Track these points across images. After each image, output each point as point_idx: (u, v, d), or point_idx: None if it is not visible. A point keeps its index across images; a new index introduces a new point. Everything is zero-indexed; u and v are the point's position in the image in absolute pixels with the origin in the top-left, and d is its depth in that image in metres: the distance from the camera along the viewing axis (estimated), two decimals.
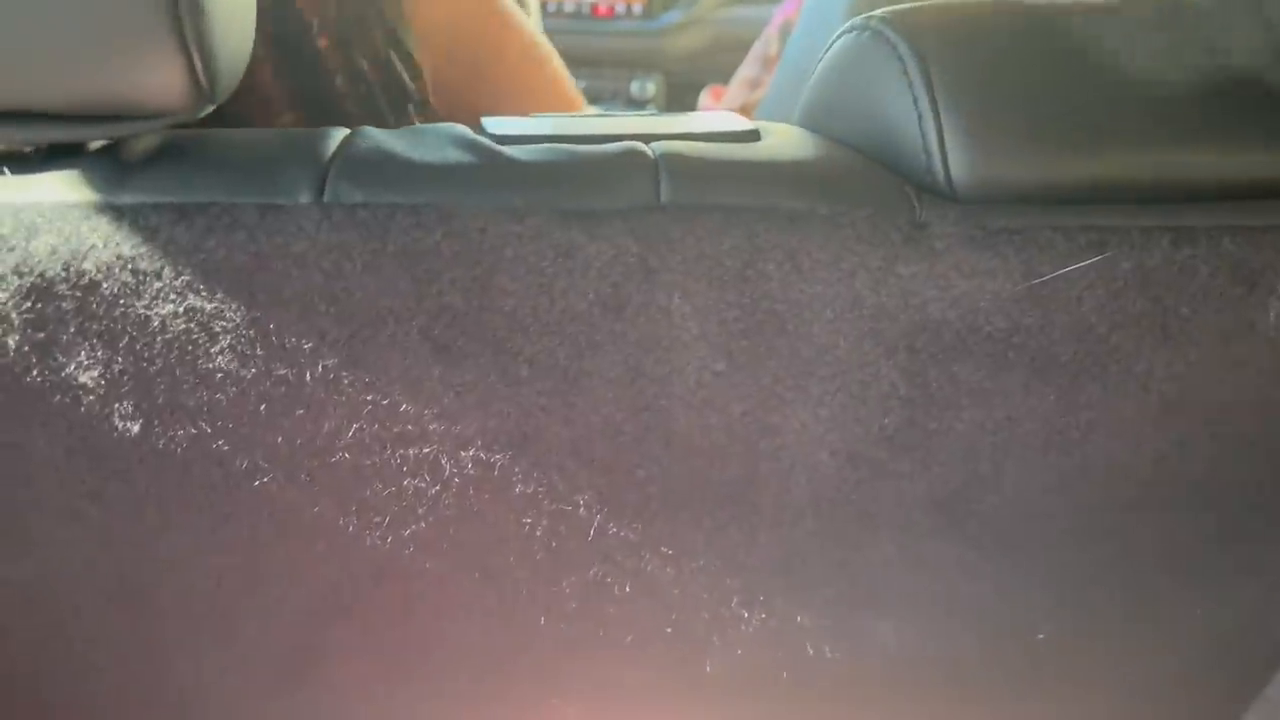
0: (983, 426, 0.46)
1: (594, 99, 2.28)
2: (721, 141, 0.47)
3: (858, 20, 0.49)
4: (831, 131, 0.50)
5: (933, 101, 0.44)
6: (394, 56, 0.62)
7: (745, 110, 1.67)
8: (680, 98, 2.29)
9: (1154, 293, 0.44)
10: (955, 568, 0.51)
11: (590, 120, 0.51)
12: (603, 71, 2.28)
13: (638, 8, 2.28)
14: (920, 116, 0.44)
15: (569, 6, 2.23)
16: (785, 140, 0.48)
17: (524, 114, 0.55)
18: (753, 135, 0.48)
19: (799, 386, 0.45)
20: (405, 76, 0.63)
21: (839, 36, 0.51)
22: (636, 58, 2.28)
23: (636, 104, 2.30)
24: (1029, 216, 0.44)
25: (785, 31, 1.61)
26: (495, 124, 0.48)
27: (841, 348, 0.44)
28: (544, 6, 2.21)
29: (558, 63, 0.80)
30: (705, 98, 1.82)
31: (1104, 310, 0.44)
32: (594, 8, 2.27)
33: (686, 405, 0.45)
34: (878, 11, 0.48)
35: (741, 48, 1.81)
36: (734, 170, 0.44)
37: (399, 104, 0.63)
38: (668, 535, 0.49)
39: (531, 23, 0.81)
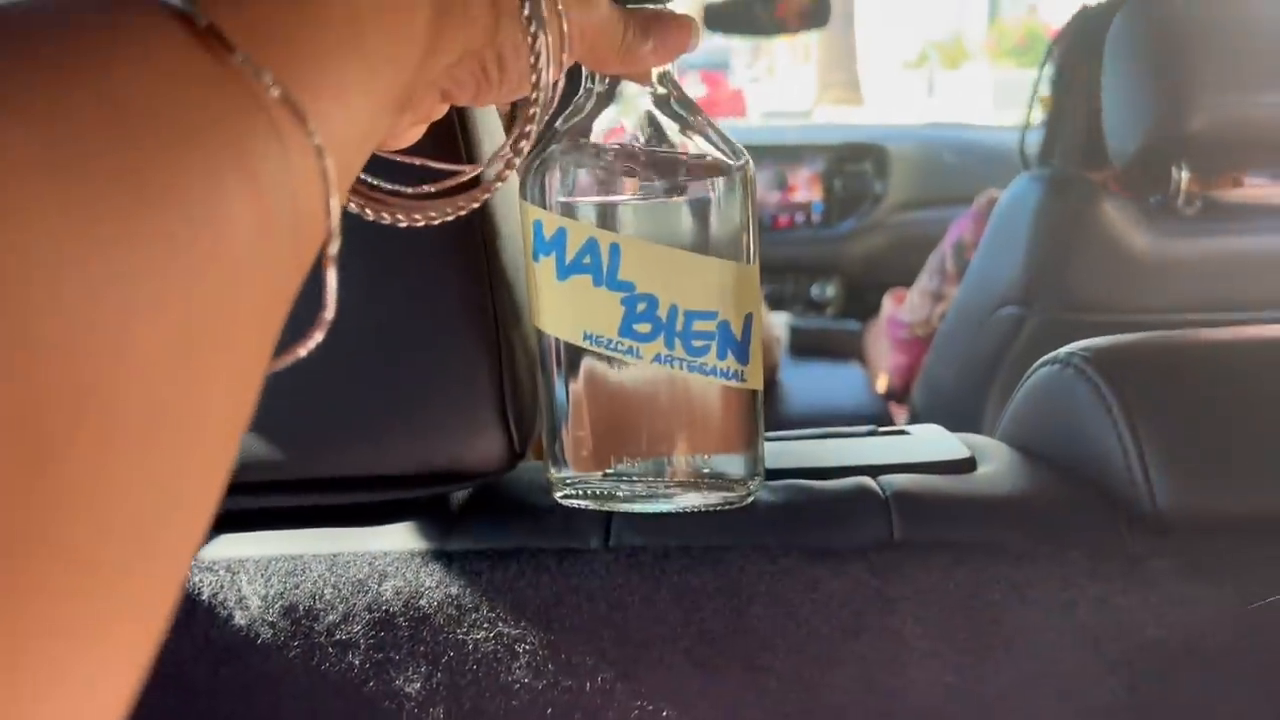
0: None
1: (776, 303, 2.38)
2: (942, 473, 0.53)
3: (1061, 354, 0.55)
4: (1038, 450, 0.56)
5: (1136, 439, 0.49)
6: None
7: (929, 323, 1.74)
8: (860, 298, 2.37)
9: None
10: None
11: (815, 448, 0.58)
12: (784, 277, 2.40)
13: (816, 217, 2.40)
14: (1125, 452, 0.50)
15: None
16: (1001, 471, 0.53)
17: None
18: (969, 464, 0.54)
19: (1024, 696, 0.49)
20: None
21: (1041, 366, 0.57)
22: (816, 263, 2.38)
23: (816, 306, 2.39)
24: (1237, 547, 0.48)
25: (958, 249, 1.70)
26: None
27: (1064, 664, 0.48)
28: None
29: None
30: (888, 302, 1.91)
31: None
32: (775, 220, 2.40)
33: (916, 712, 0.50)
34: (1077, 347, 0.54)
35: (918, 248, 1.89)
36: (960, 508, 0.50)
37: None
38: None
39: None
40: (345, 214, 0.34)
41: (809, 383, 1.87)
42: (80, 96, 0.18)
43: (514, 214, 0.51)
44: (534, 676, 0.49)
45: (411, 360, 0.48)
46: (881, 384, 1.94)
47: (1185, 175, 1.25)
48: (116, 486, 0.17)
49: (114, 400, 0.17)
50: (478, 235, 0.48)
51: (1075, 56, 1.44)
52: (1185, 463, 0.49)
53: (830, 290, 2.38)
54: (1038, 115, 1.54)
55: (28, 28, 0.19)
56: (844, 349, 2.08)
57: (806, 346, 2.06)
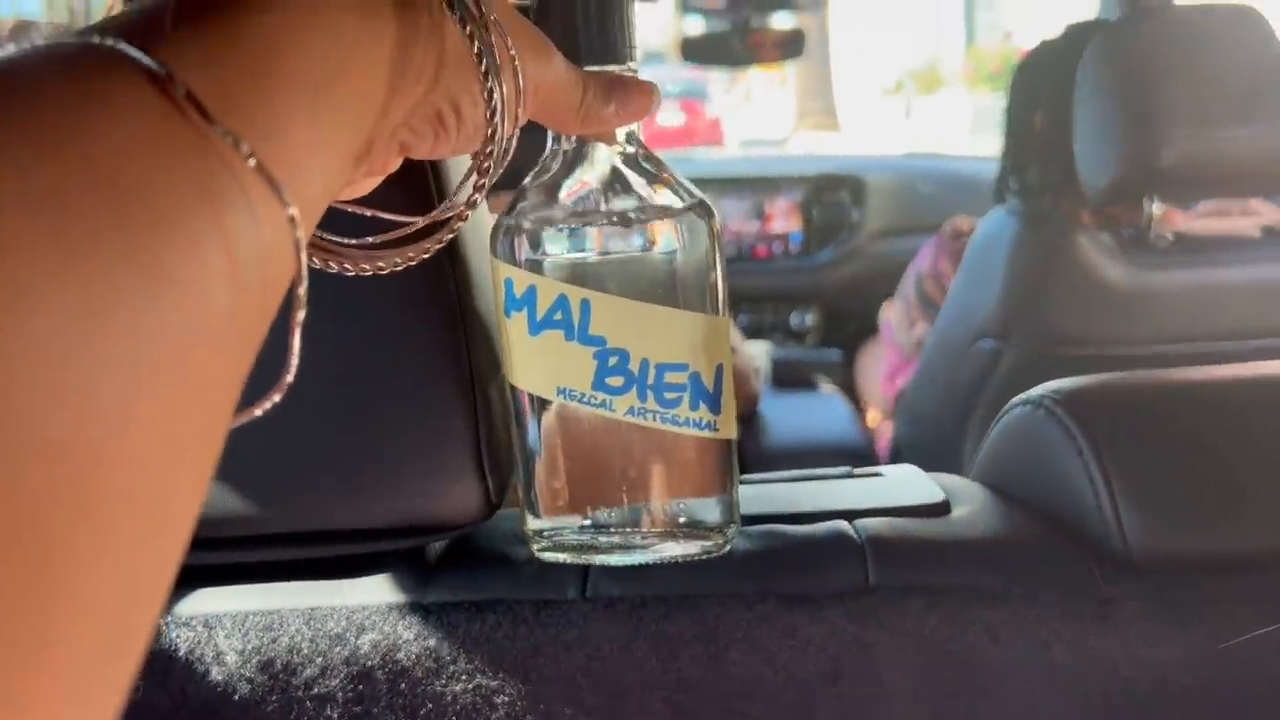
0: None
1: (755, 332, 2.39)
2: (917, 516, 0.53)
3: (1033, 394, 0.56)
4: (1011, 491, 0.56)
5: (1107, 481, 0.50)
6: None
7: (905, 351, 1.76)
8: (839, 327, 2.38)
9: None
10: None
11: (791, 491, 0.58)
12: (763, 306, 2.41)
13: (794, 247, 2.41)
14: (1096, 493, 0.50)
15: (730, 250, 2.38)
16: (974, 513, 0.54)
17: None
18: (944, 507, 0.54)
19: None
20: None
21: (1013, 406, 0.58)
22: (794, 292, 2.40)
23: (795, 335, 2.40)
24: (1208, 587, 0.48)
25: (919, 281, 1.74)
26: None
27: (1039, 705, 0.49)
28: None
29: None
30: (885, 309, 1.96)
31: None
32: (753, 249, 2.41)
33: None
34: (1048, 389, 0.55)
35: (895, 277, 1.91)
36: (934, 552, 0.50)
37: None
38: None
39: None
40: (321, 270, 0.35)
41: (789, 414, 1.87)
42: (77, 174, 0.18)
43: (488, 265, 0.51)
44: None
45: (387, 412, 0.49)
46: (872, 418, 1.96)
47: (1158, 207, 1.27)
48: (108, 579, 0.18)
49: (113, 494, 0.17)
50: (452, 286, 0.49)
51: (1038, 88, 1.46)
52: (1155, 503, 0.50)
53: (809, 319, 2.40)
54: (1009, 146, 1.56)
55: (11, 95, 0.19)
56: (824, 378, 2.09)
57: (786, 377, 2.07)
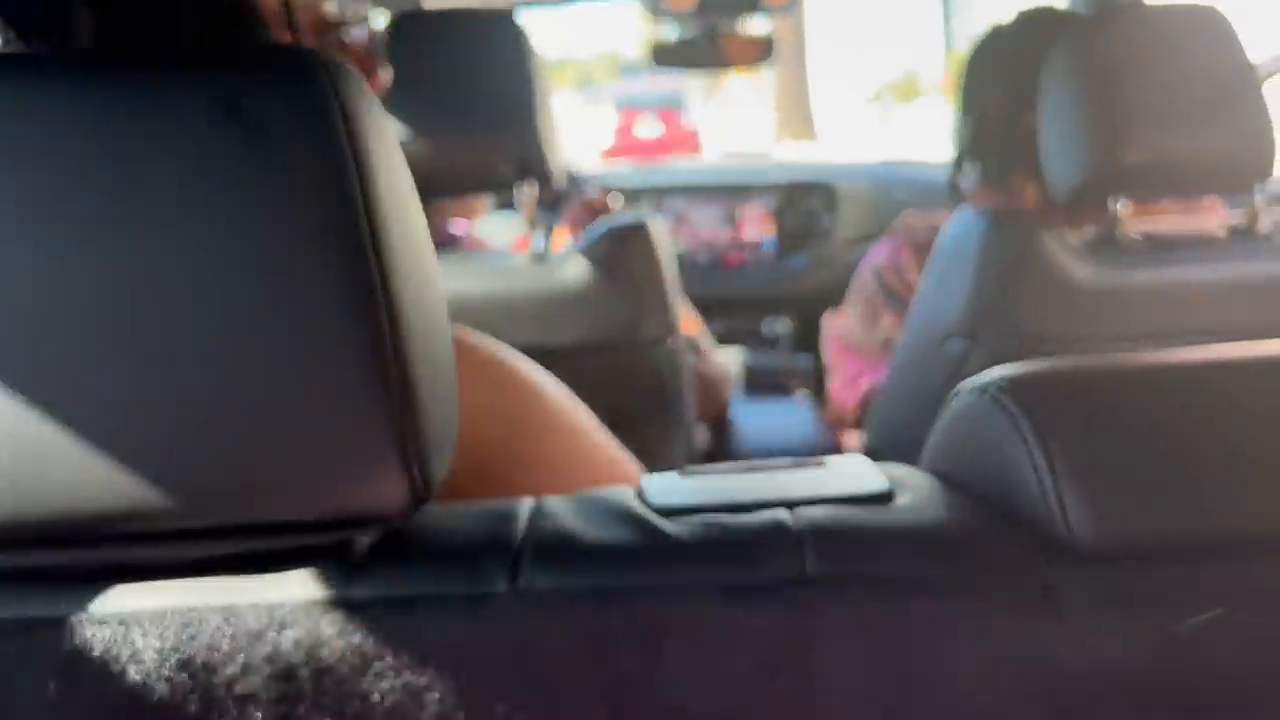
0: None
1: (727, 338, 2.39)
2: (859, 505, 0.52)
3: (979, 381, 0.55)
4: (958, 479, 0.55)
5: (1051, 467, 0.49)
6: None
7: (869, 351, 1.75)
8: (812, 335, 2.38)
9: None
10: None
11: (732, 482, 0.57)
12: (735, 314, 2.40)
13: (768, 254, 2.41)
14: (1040, 480, 0.49)
15: (703, 257, 2.37)
16: (919, 502, 0.53)
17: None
18: (887, 496, 0.53)
19: None
20: None
21: (961, 394, 0.57)
22: (768, 299, 2.40)
23: (768, 342, 2.40)
24: (1153, 574, 0.47)
25: (879, 276, 1.73)
26: (655, 491, 0.54)
27: (985, 696, 0.47)
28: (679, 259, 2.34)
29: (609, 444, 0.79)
30: (826, 321, 1.93)
31: (1242, 651, 0.47)
32: (724, 258, 2.41)
33: None
34: (995, 376, 0.54)
35: None
36: (875, 540, 0.49)
37: None
38: None
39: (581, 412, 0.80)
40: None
41: (760, 419, 1.86)
42: None
43: (413, 239, 0.48)
44: None
45: (305, 400, 0.46)
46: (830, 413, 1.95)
47: (1123, 206, 1.27)
48: None
49: None
50: (371, 262, 0.45)
51: (992, 76, 1.47)
52: (1100, 490, 0.49)
53: (781, 326, 2.39)
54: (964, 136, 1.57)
55: None
56: (796, 384, 2.09)
57: (759, 383, 2.07)
